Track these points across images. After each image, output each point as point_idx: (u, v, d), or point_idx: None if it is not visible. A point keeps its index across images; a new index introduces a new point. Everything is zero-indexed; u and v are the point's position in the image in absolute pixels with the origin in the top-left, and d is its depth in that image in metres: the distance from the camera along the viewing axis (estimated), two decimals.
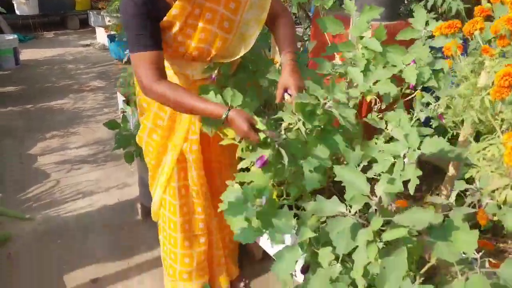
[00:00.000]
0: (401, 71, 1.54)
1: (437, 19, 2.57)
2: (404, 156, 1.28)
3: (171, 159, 1.74)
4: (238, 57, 1.63)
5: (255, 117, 1.47)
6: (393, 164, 1.32)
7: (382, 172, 1.35)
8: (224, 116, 1.42)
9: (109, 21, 6.70)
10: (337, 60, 1.99)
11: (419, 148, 1.21)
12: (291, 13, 1.69)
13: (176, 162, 1.75)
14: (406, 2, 3.18)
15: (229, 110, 1.42)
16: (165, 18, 1.47)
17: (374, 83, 1.58)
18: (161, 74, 1.49)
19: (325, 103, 1.47)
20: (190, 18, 1.49)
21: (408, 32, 1.74)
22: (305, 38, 4.87)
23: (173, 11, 1.46)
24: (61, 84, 5.15)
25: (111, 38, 5.94)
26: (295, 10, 4.15)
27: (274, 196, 1.68)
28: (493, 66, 0.96)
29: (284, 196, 1.69)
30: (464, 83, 0.98)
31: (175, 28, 1.49)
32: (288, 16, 1.68)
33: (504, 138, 0.89)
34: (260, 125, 1.46)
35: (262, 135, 1.44)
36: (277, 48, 1.67)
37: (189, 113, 1.56)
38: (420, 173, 1.29)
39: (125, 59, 4.22)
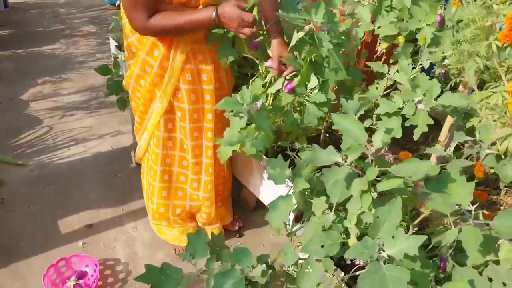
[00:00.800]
0: (418, 29, 1.45)
1: None
2: (420, 102, 1.24)
3: (161, 106, 1.70)
4: None
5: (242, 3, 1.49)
6: (399, 108, 1.29)
7: (388, 113, 1.31)
8: (214, 13, 1.45)
9: None
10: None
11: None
12: None
13: (164, 112, 1.71)
14: None
15: (217, 7, 1.45)
16: None
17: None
18: (153, 11, 1.46)
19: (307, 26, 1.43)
20: None
21: None
22: None
23: None
24: (53, 29, 4.99)
25: None
26: None
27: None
28: (503, 9, 0.91)
29: (280, 123, 1.67)
30: (471, 27, 0.92)
31: None
32: None
33: (509, 86, 0.85)
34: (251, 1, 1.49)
35: (255, 12, 1.48)
36: None
37: (187, 31, 1.54)
38: (431, 121, 1.26)
39: (117, 3, 4.06)
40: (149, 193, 1.99)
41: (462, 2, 0.96)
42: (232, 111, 1.46)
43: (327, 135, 1.96)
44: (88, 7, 5.84)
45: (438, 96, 1.22)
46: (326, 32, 1.39)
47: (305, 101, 1.50)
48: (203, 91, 1.69)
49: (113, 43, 3.69)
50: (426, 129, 1.21)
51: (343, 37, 1.47)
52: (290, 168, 1.45)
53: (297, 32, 1.43)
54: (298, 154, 1.61)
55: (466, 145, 1.25)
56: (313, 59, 1.45)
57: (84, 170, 2.64)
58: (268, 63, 1.62)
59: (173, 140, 1.80)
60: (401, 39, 1.40)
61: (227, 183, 2.09)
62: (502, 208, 1.91)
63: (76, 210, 2.33)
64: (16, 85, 3.62)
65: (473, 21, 0.91)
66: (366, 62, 1.47)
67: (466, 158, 1.16)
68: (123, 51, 3.08)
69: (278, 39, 1.56)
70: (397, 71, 1.36)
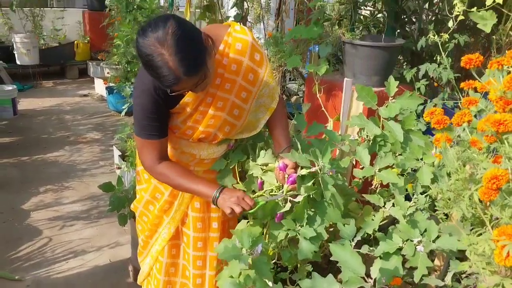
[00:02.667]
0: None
1: (428, 86, 2.66)
2: (419, 243, 1.30)
3: (168, 232, 1.74)
4: (244, 137, 1.69)
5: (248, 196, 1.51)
6: (399, 248, 1.34)
7: (388, 252, 1.36)
8: (217, 193, 1.49)
9: (108, 72, 6.80)
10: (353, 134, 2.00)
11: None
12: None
13: (170, 238, 1.74)
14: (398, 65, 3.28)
15: (219, 191, 1.48)
16: (177, 105, 1.51)
17: (380, 170, 1.59)
18: (163, 157, 1.56)
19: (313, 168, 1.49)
20: (201, 105, 1.54)
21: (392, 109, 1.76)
22: (300, 94, 4.99)
23: (187, 99, 1.50)
24: (58, 136, 5.17)
25: (110, 90, 6.02)
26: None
27: (270, 252, 1.68)
28: (482, 161, 0.99)
29: (276, 259, 1.68)
30: (454, 175, 1.00)
31: (186, 114, 1.53)
32: (281, 101, 1.75)
33: (494, 234, 0.91)
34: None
35: (258, 200, 1.51)
36: None
37: (186, 192, 1.64)
38: (431, 264, 1.31)
39: (123, 114, 4.27)
40: None
41: (443, 152, 1.05)
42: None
43: (328, 253, 1.98)
44: (93, 114, 6.09)
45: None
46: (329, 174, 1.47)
47: (297, 235, 1.54)
48: (210, 219, 1.74)
49: (116, 153, 3.82)
50: (426, 272, 1.26)
51: (344, 178, 1.56)
52: None
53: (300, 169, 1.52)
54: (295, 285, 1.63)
55: (463, 275, 1.28)
56: (311, 195, 1.52)
57: (80, 286, 2.60)
58: (281, 164, 1.56)
59: (175, 267, 1.82)
60: (395, 171, 1.48)
61: None
62: None
63: None
64: (19, 194, 3.68)
65: (455, 172, 0.99)
66: (363, 195, 1.54)
67: None
68: (126, 161, 3.19)
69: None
70: (393, 205, 1.43)
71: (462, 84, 1.23)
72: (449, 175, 1.04)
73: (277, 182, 1.57)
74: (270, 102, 1.66)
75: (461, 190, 0.97)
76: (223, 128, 1.59)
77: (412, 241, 1.36)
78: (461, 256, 1.30)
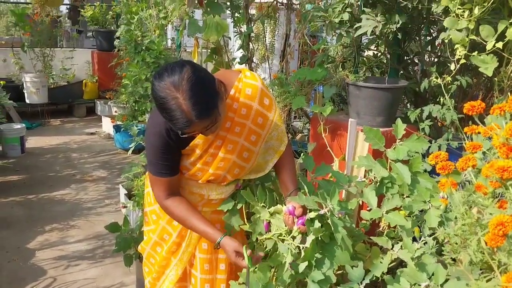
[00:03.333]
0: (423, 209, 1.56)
1: (432, 126, 2.69)
2: (426, 287, 1.30)
3: (175, 274, 1.74)
4: (252, 178, 1.71)
5: (243, 250, 1.51)
6: None
7: None
8: (219, 240, 1.53)
9: (115, 111, 6.90)
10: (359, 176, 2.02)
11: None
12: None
13: (178, 280, 1.74)
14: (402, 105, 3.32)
15: (222, 237, 1.53)
16: (187, 147, 1.55)
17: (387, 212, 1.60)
18: (172, 192, 1.59)
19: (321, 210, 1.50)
20: (211, 147, 1.57)
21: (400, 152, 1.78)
22: (304, 132, 5.04)
23: (197, 141, 1.54)
24: (64, 174, 5.21)
25: (117, 128, 6.10)
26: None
27: None
28: (487, 206, 1.01)
29: None
30: (460, 220, 1.01)
31: (195, 156, 1.57)
32: (288, 143, 1.77)
33: (502, 280, 0.91)
34: (246, 259, 1.50)
35: (249, 262, 1.51)
36: None
37: (191, 229, 1.66)
38: None
39: (129, 152, 4.31)
40: None
41: (449, 196, 1.07)
42: None
43: None
44: (100, 152, 6.14)
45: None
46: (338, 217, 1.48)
47: (305, 278, 1.53)
48: (218, 260, 1.75)
49: (122, 191, 3.84)
50: None
51: (352, 220, 1.57)
52: None
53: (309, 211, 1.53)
54: None
55: None
56: (319, 238, 1.53)
57: None
58: (290, 208, 1.56)
59: None
60: (402, 213, 1.50)
61: None
62: None
63: None
64: (24, 233, 3.68)
65: (462, 216, 1.00)
66: (371, 237, 1.54)
67: None
68: (132, 200, 3.20)
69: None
70: (401, 247, 1.43)
71: (465, 129, 1.26)
72: (456, 218, 1.05)
73: (285, 225, 1.58)
74: (279, 145, 1.69)
75: (468, 235, 0.98)
76: (232, 170, 1.62)
77: (420, 285, 1.35)
78: None
